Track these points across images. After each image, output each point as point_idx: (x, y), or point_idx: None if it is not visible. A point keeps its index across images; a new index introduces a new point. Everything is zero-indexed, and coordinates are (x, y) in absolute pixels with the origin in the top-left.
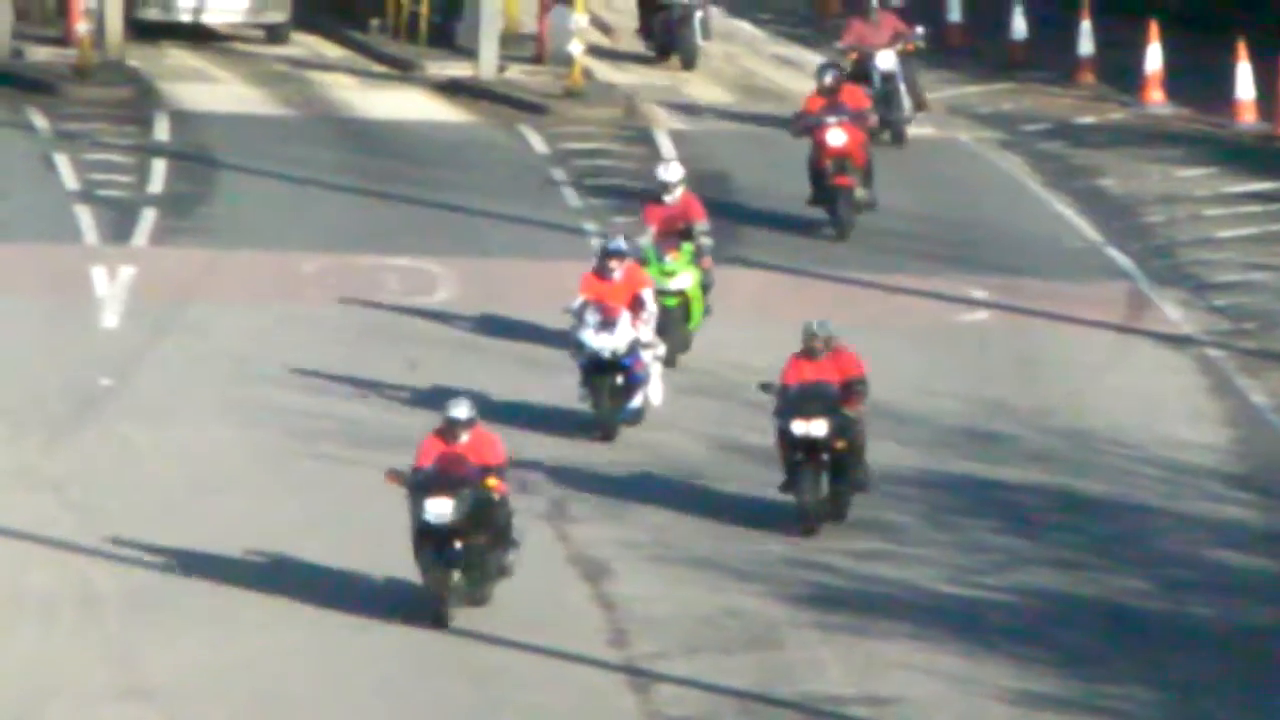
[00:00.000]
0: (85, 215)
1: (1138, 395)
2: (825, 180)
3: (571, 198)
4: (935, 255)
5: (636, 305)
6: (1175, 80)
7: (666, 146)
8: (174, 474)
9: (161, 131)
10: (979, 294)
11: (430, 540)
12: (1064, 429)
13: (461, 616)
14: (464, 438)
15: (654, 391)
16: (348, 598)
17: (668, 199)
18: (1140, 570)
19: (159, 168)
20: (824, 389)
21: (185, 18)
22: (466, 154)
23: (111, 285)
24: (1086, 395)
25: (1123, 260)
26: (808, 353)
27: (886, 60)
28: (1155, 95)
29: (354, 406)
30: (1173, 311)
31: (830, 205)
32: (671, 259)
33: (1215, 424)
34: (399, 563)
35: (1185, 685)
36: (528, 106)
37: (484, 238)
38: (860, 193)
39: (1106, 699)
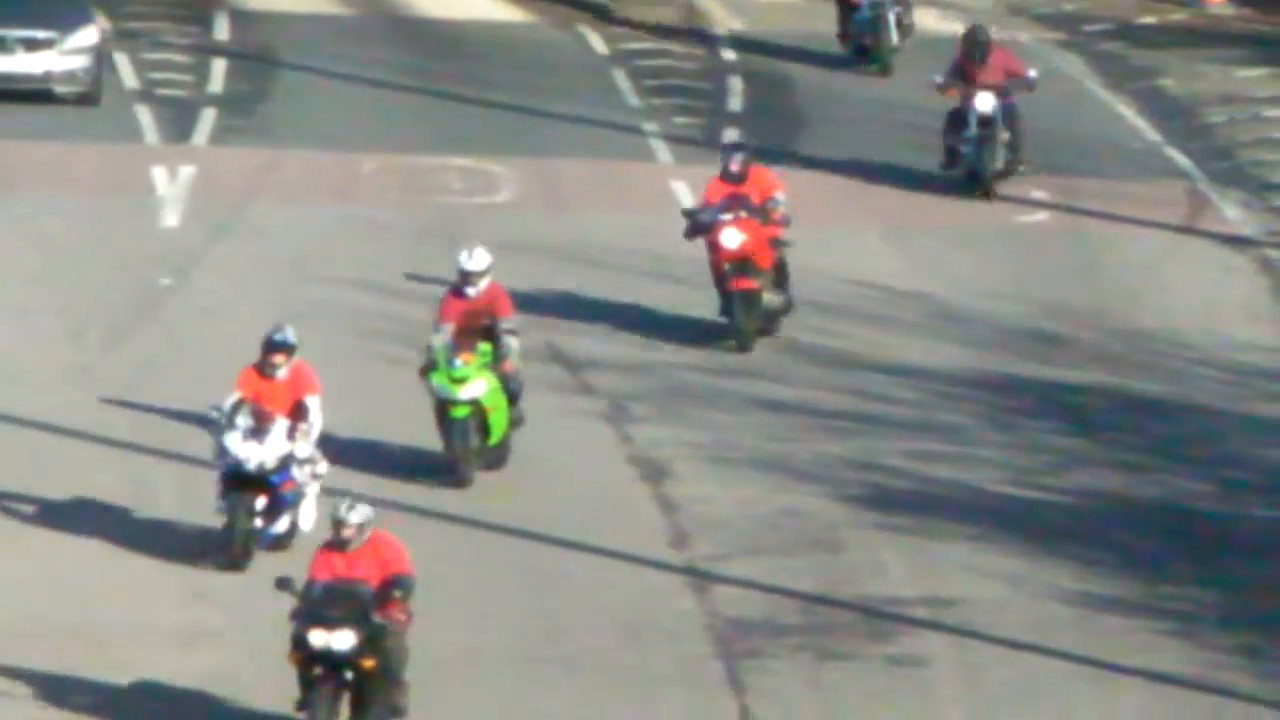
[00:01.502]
0: (145, 114)
1: (1197, 296)
2: (724, 284)
3: (632, 98)
4: None
5: (299, 413)
6: None
7: (727, 48)
8: (233, 374)
9: (221, 31)
10: (1038, 195)
11: None
12: (1123, 330)
13: (523, 517)
14: None
15: (305, 515)
16: (407, 496)
17: (470, 291)
18: (1200, 471)
19: (219, 67)
20: (355, 590)
21: None
22: (527, 54)
23: (171, 184)
24: (1145, 296)
25: (1182, 160)
26: (337, 544)
27: (986, 102)
28: None
29: (414, 307)
30: (1232, 212)
31: (729, 312)
32: (462, 363)
33: (1274, 324)
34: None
35: (1244, 586)
36: (587, 6)
37: (545, 138)
38: (770, 298)
39: (1166, 600)
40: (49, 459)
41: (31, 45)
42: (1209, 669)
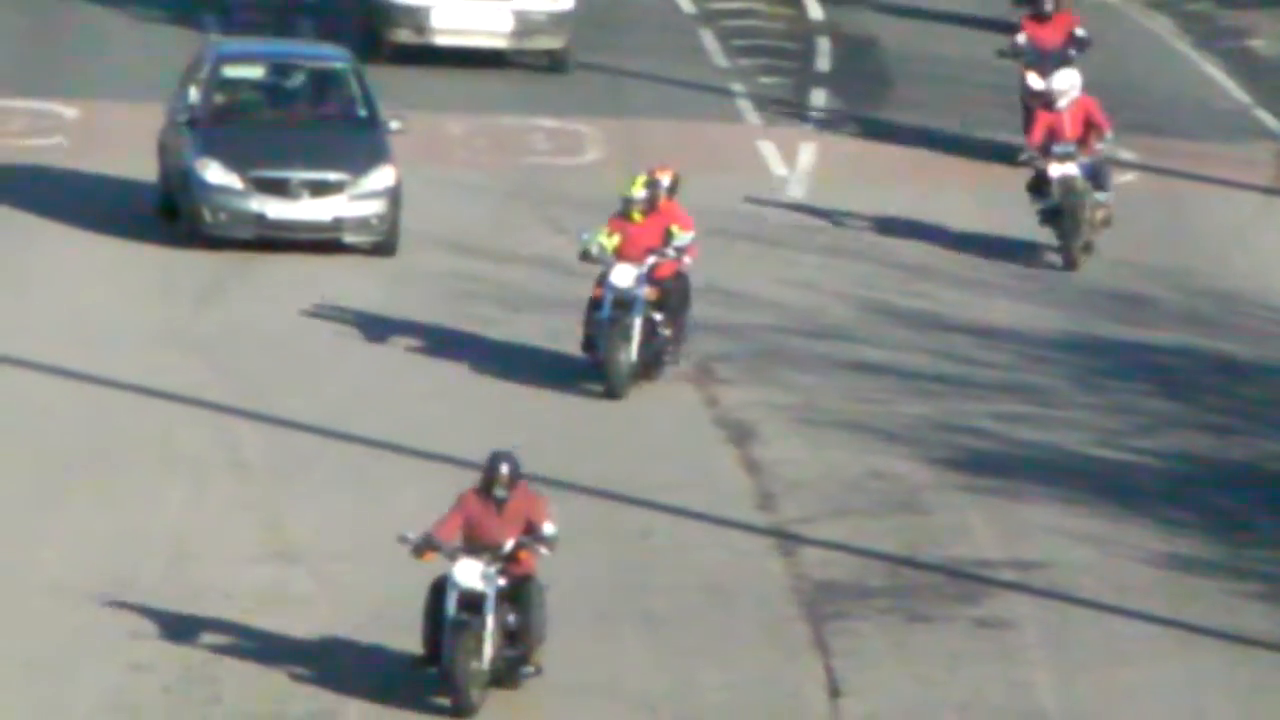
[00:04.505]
0: None
1: None
2: None
3: (719, 57)
4: None
5: None
6: None
7: (815, 8)
8: (322, 336)
9: None
10: (1126, 155)
11: None
12: (1211, 291)
13: (609, 479)
14: None
15: None
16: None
17: None
18: None
19: (305, 30)
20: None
21: (442, 41)
22: (614, 13)
23: None
24: (1233, 257)
25: (1271, 121)
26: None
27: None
28: None
29: (503, 268)
30: None
31: None
32: None
33: None
34: (546, 427)
35: None
36: None
37: (631, 98)
38: None
39: (1252, 562)
40: (139, 418)
41: (319, 189)
42: None
